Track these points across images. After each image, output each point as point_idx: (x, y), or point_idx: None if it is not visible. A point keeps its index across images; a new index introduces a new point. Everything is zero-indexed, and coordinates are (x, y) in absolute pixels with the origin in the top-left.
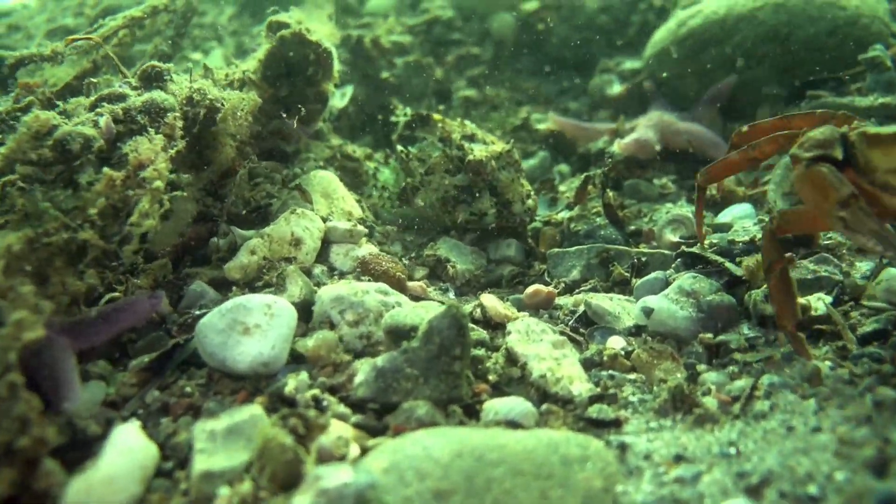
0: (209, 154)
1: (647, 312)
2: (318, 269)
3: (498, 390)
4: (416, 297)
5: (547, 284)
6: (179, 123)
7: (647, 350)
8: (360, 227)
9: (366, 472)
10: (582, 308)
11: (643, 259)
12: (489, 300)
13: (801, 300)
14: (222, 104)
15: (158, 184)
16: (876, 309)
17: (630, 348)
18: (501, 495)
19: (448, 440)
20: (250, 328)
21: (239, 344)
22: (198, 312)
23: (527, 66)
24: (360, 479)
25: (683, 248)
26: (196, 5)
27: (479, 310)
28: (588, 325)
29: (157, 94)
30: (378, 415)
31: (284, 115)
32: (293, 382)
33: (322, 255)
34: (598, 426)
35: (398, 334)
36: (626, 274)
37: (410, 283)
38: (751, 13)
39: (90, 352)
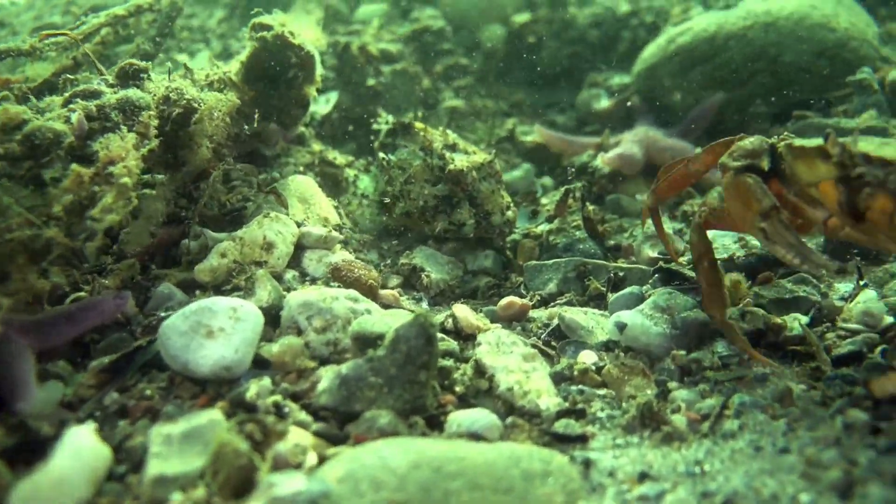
0: (184, 155)
1: (621, 327)
2: (290, 275)
3: (464, 402)
4: (387, 306)
5: (523, 297)
6: (154, 122)
7: (619, 366)
8: (335, 234)
9: (320, 481)
10: (555, 321)
11: (620, 274)
12: (461, 311)
13: (777, 319)
14: (199, 104)
15: (126, 180)
16: (852, 331)
17: (602, 363)
18: None
19: (406, 451)
20: (214, 331)
21: (202, 347)
22: (163, 314)
23: (516, 79)
24: (314, 488)
25: (661, 263)
26: (181, 5)
27: (450, 320)
28: (561, 339)
29: (132, 92)
30: (340, 423)
31: (264, 118)
32: (255, 388)
33: (295, 261)
34: (564, 441)
35: (365, 342)
36: (603, 288)
37: (383, 292)
38: (740, 32)
39: (51, 351)
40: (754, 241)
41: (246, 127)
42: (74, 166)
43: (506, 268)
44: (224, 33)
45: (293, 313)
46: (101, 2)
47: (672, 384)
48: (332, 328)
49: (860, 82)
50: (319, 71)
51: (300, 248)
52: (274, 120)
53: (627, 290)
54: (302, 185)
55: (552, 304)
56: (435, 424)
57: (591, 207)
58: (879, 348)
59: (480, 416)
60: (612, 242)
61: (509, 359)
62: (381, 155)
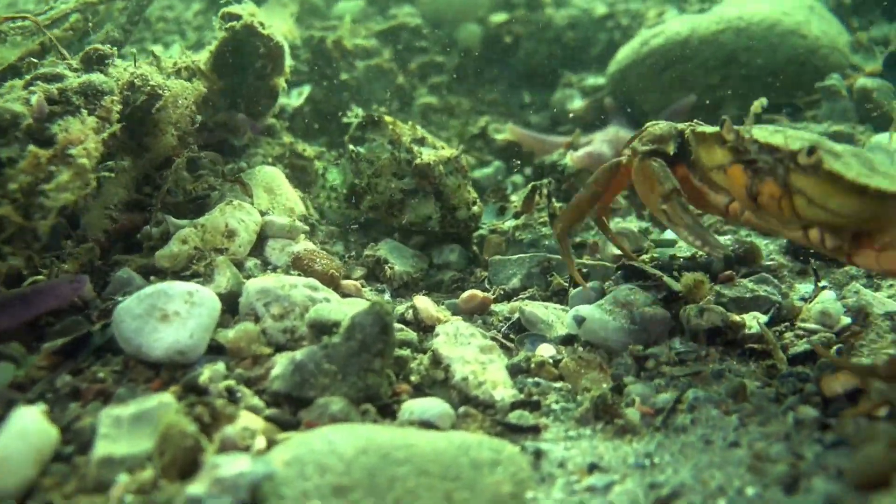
0: (148, 141)
1: (579, 321)
2: (251, 263)
3: (420, 392)
4: (348, 296)
5: (486, 291)
6: (117, 107)
7: (576, 359)
8: (299, 224)
9: (264, 463)
10: (516, 315)
11: (584, 270)
12: (422, 302)
13: (736, 317)
14: (164, 91)
15: (84, 161)
16: (809, 331)
17: (559, 357)
18: (404, 494)
19: (355, 436)
20: (169, 315)
21: (156, 330)
22: (120, 299)
23: (491, 78)
24: (258, 470)
25: (624, 260)
26: None
27: (411, 311)
28: (521, 333)
29: (95, 77)
30: (293, 410)
31: (232, 108)
32: (208, 372)
33: (258, 250)
34: (516, 432)
35: (321, 329)
36: (565, 284)
37: (345, 282)
38: (713, 36)
39: (5, 333)
40: None
41: (213, 115)
42: (32, 147)
43: (471, 262)
44: (201, 25)
45: (251, 300)
46: None
47: (628, 378)
48: (290, 315)
49: (829, 88)
50: (289, 62)
51: (263, 237)
52: (242, 110)
53: (588, 284)
54: (269, 176)
55: (515, 298)
56: (388, 413)
57: (557, 205)
58: (835, 348)
59: (433, 405)
60: (577, 239)
61: (466, 350)
62: (351, 147)
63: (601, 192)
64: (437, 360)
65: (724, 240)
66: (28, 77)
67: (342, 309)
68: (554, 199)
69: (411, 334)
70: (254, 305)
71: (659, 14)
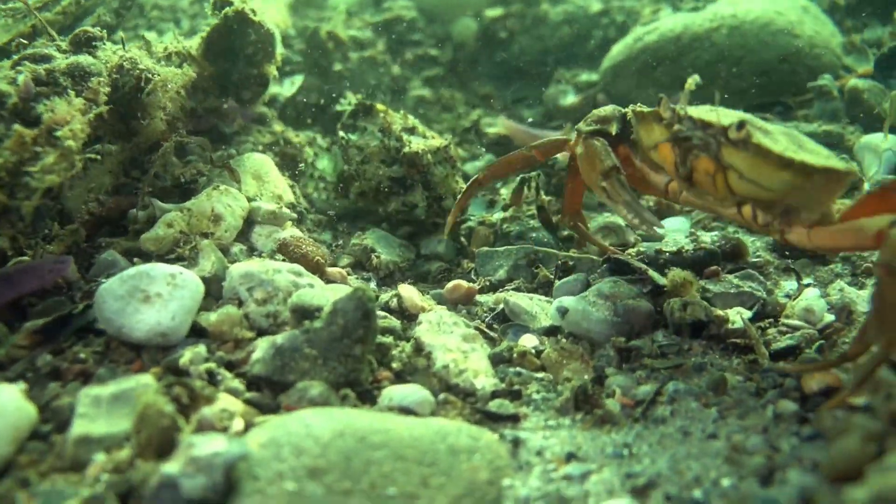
0: (137, 125)
1: (562, 312)
2: (237, 248)
3: (401, 379)
4: (333, 283)
5: (473, 282)
6: (104, 89)
7: (558, 350)
8: (286, 210)
9: (240, 444)
10: (501, 306)
11: (570, 263)
12: (407, 290)
13: (720, 312)
14: (153, 75)
15: (71, 143)
16: (793, 327)
17: (542, 347)
18: (379, 478)
19: (332, 420)
20: (151, 297)
21: (137, 312)
22: (104, 280)
23: (485, 72)
24: (233, 450)
25: (610, 254)
26: None
27: (395, 300)
28: (505, 323)
29: (83, 58)
30: (273, 393)
31: (223, 94)
32: (189, 355)
33: (244, 235)
34: (495, 420)
35: (303, 314)
36: (551, 276)
37: (331, 270)
38: (706, 34)
39: None
40: (704, 237)
41: (203, 101)
42: (17, 127)
43: (459, 253)
44: (196, 14)
45: (235, 284)
46: None
47: (609, 370)
48: (273, 300)
49: (820, 88)
50: (280, 50)
51: (250, 223)
52: (232, 96)
53: (572, 276)
54: (258, 163)
55: (501, 289)
56: (368, 398)
57: (546, 198)
58: (816, 344)
59: (412, 391)
60: (565, 232)
61: (449, 338)
62: (342, 134)
63: (536, 160)
64: (419, 348)
65: (712, 235)
66: (16, 57)
67: (325, 294)
68: (542, 193)
69: (395, 322)
70: (237, 289)
71: (654, 11)
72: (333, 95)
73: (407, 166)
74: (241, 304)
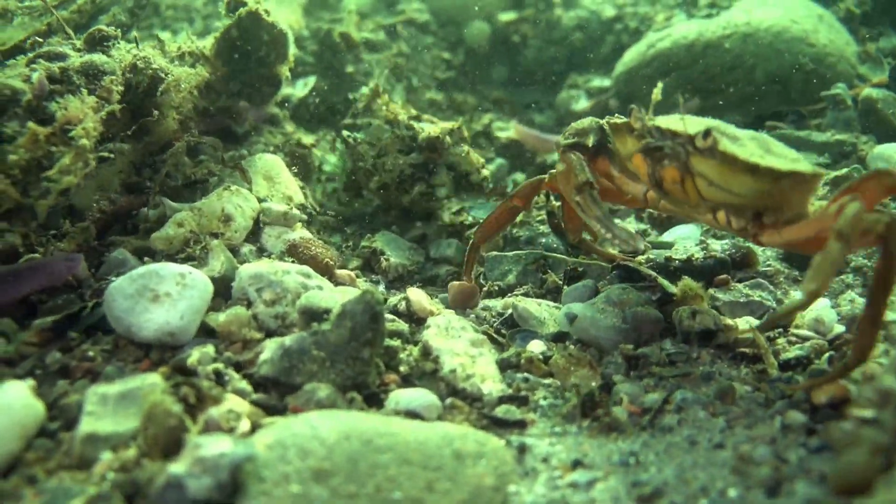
0: (149, 124)
1: (571, 318)
2: (247, 249)
3: (408, 382)
4: (342, 285)
5: (482, 287)
6: (118, 88)
7: (566, 356)
8: (296, 212)
9: (246, 445)
10: (509, 311)
11: (580, 269)
12: (415, 294)
13: (729, 321)
14: (166, 75)
15: (84, 142)
16: (802, 337)
17: (550, 353)
18: (384, 482)
19: (338, 422)
20: (160, 296)
21: (146, 311)
22: (113, 279)
23: (497, 76)
24: (239, 451)
25: (619, 260)
26: None
27: (404, 303)
28: (513, 328)
29: (97, 57)
30: (280, 395)
31: (235, 95)
32: (197, 354)
33: (254, 236)
34: (502, 426)
35: (312, 316)
36: (560, 282)
37: (339, 272)
38: (719, 41)
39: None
40: (714, 245)
41: (216, 101)
42: (31, 125)
43: None
44: (210, 14)
45: (244, 284)
46: None
47: (617, 377)
48: (282, 301)
49: (834, 97)
50: (293, 51)
51: (260, 224)
52: (245, 97)
53: (581, 282)
54: (269, 164)
55: (510, 294)
56: (375, 402)
57: (556, 203)
58: (826, 355)
59: (419, 395)
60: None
61: (456, 342)
62: (346, 133)
63: (519, 208)
64: (426, 352)
65: (722, 243)
66: (31, 55)
67: (334, 297)
68: (552, 198)
69: (403, 325)
70: (246, 290)
71: (667, 18)
72: (346, 97)
73: (427, 151)
74: (249, 304)
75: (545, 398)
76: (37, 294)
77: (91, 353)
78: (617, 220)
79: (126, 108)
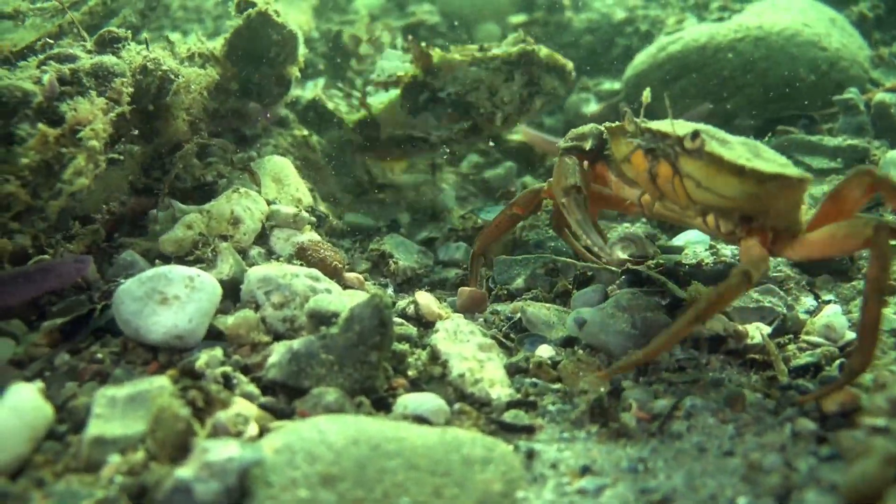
0: (159, 126)
1: (580, 323)
2: (255, 251)
3: (416, 387)
4: (351, 288)
5: (491, 291)
6: (127, 90)
7: (574, 361)
8: (305, 214)
9: (254, 450)
10: (518, 315)
11: (589, 273)
12: (423, 297)
13: (739, 327)
14: (176, 76)
15: (94, 143)
16: (813, 344)
17: (558, 358)
18: (392, 487)
19: (346, 427)
20: (168, 298)
21: (154, 313)
22: (122, 281)
23: None
24: (247, 456)
25: (629, 265)
26: None
27: (412, 306)
28: (522, 333)
29: (107, 59)
30: (288, 398)
31: (245, 96)
32: (205, 357)
33: (263, 239)
34: (510, 431)
35: (320, 319)
36: (569, 285)
37: (348, 275)
38: (730, 44)
39: (8, 310)
40: (724, 250)
41: (225, 102)
42: (41, 126)
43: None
44: (220, 14)
45: (252, 287)
46: None
47: (626, 383)
48: (290, 304)
49: (846, 102)
50: (302, 51)
51: (269, 226)
52: (254, 98)
53: (590, 287)
54: (278, 166)
55: (518, 298)
56: (383, 406)
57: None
58: (837, 362)
59: (427, 400)
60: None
61: (465, 347)
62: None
63: (519, 217)
64: (435, 356)
65: (732, 248)
66: (41, 57)
67: (342, 300)
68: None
69: (411, 329)
70: (255, 293)
71: (678, 21)
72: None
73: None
74: (258, 307)
75: (554, 403)
76: (46, 296)
77: (100, 356)
78: (626, 225)
79: (136, 110)
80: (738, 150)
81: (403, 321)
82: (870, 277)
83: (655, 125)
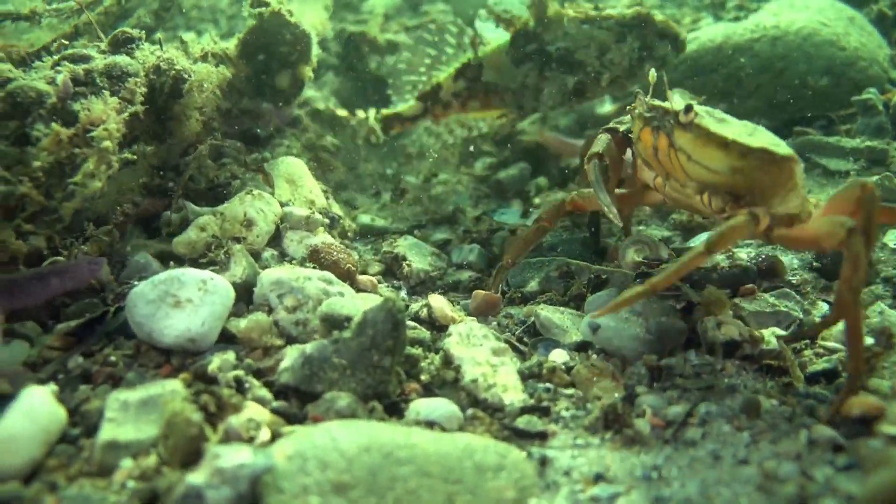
0: (173, 126)
1: (594, 328)
2: (268, 253)
3: (429, 391)
4: (363, 291)
5: (504, 294)
6: (141, 90)
7: (588, 366)
8: (318, 216)
9: (266, 456)
10: (531, 319)
11: (603, 276)
12: (437, 301)
13: (755, 332)
14: (189, 75)
15: (107, 144)
16: (830, 349)
17: (572, 363)
18: (404, 494)
19: (358, 433)
20: (182, 301)
21: (168, 316)
22: (135, 283)
23: None
24: (258, 462)
25: (643, 268)
26: None
27: (425, 310)
28: (535, 337)
29: (120, 59)
30: (301, 403)
31: (258, 95)
32: (217, 361)
33: (276, 241)
34: (523, 437)
35: (333, 323)
36: (584, 289)
37: (361, 277)
38: (747, 44)
39: (23, 312)
40: (740, 254)
41: (238, 102)
42: (54, 126)
43: (491, 264)
44: (234, 14)
45: (265, 290)
46: None
47: (640, 388)
48: (303, 308)
49: (865, 102)
50: (315, 51)
51: (282, 228)
52: (268, 98)
53: (605, 291)
54: (291, 167)
55: (532, 301)
56: (395, 411)
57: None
58: None
59: (440, 406)
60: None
61: (478, 351)
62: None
63: (547, 228)
64: (448, 360)
65: (748, 251)
66: (56, 57)
67: (355, 304)
68: None
69: (424, 333)
70: (267, 296)
71: (694, 21)
72: (368, 98)
73: None
74: (270, 311)
75: (567, 409)
76: (60, 297)
77: (113, 358)
78: (640, 228)
79: (149, 110)
80: (733, 128)
81: (416, 325)
82: (843, 278)
83: (659, 102)
